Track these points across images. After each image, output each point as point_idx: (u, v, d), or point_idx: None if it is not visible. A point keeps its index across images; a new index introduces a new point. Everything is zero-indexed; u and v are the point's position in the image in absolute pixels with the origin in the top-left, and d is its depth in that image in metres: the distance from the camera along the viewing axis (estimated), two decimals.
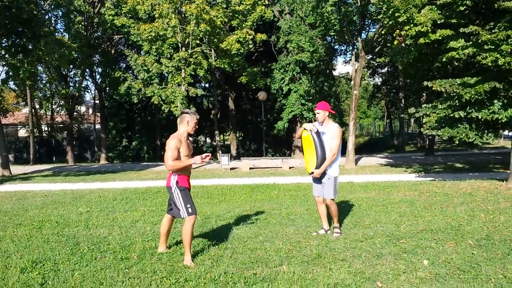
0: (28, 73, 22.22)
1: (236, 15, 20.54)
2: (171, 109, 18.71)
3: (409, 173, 14.75)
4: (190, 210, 5.11)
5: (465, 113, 10.70)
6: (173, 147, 5.01)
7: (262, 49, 26.93)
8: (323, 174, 6.02)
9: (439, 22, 11.38)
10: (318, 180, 6.13)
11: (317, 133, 5.91)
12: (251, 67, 24.34)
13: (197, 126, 5.28)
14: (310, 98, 23.18)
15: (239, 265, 4.88)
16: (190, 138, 5.36)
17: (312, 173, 6.01)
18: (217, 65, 21.56)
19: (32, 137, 31.47)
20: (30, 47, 18.49)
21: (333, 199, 6.12)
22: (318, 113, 6.07)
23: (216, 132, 27.29)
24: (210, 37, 19.25)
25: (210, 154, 5.37)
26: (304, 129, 6.00)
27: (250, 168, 18.20)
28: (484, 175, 13.00)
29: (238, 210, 8.40)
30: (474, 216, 7.13)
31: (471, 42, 10.71)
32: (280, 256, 5.20)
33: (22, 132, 38.70)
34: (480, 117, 10.52)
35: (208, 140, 41.97)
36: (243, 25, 20.61)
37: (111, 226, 7.18)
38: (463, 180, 11.73)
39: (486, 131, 10.99)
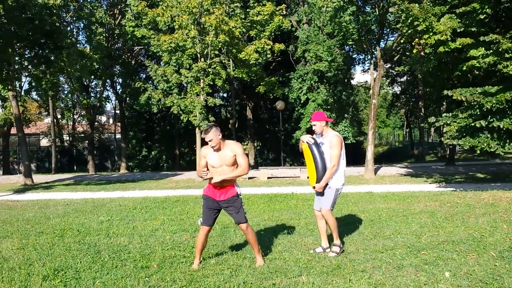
0: (51, 83, 22.70)
1: (254, 25, 20.66)
2: (189, 118, 18.83)
3: (430, 183, 14.57)
4: (202, 219, 5.31)
5: (487, 123, 10.56)
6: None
7: (280, 58, 27.00)
8: (325, 184, 5.72)
9: (458, 30, 11.30)
10: (320, 193, 5.81)
11: (316, 144, 5.68)
12: (269, 76, 24.39)
13: (208, 142, 5.17)
14: (328, 107, 23.10)
15: (258, 275, 4.88)
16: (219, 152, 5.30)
17: (314, 187, 5.75)
18: (235, 75, 21.66)
19: (54, 146, 32.01)
20: (52, 58, 18.86)
21: (329, 210, 5.75)
22: (314, 125, 5.78)
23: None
24: (228, 47, 19.38)
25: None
26: (302, 141, 5.77)
27: (268, 178, 18.19)
28: (506, 186, 12.76)
29: (256, 219, 8.40)
30: (497, 227, 7.00)
31: (491, 51, 10.60)
32: (299, 267, 5.18)
33: (44, 142, 39.40)
34: (501, 126, 10.36)
35: None
36: (261, 35, 20.71)
37: (131, 235, 7.26)
38: (485, 191, 11.52)
39: (508, 141, 10.81)
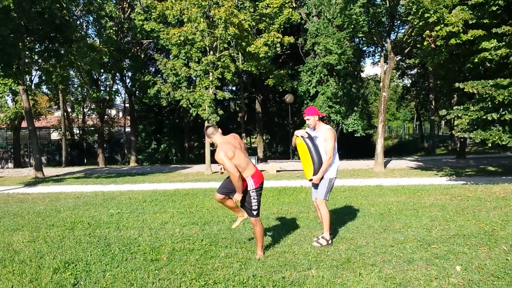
0: (61, 77, 22.84)
1: (263, 18, 20.56)
2: (198, 112, 18.84)
3: (440, 176, 14.46)
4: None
5: (498, 115, 10.43)
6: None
7: (289, 51, 26.89)
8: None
9: (470, 22, 11.15)
10: (316, 184, 5.97)
11: (310, 138, 5.81)
12: (278, 69, 24.31)
13: (208, 138, 5.40)
14: (338, 100, 23.01)
15: (268, 269, 4.88)
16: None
17: (311, 179, 5.86)
18: (244, 68, 21.63)
19: (64, 139, 32.25)
20: (62, 52, 18.95)
21: (324, 200, 5.92)
22: (308, 119, 5.95)
23: (243, 135, 27.40)
24: (238, 40, 19.32)
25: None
26: (297, 136, 5.89)
27: (277, 171, 18.18)
28: None
29: (265, 213, 8.40)
30: (508, 221, 6.93)
31: (504, 43, 10.46)
32: (308, 260, 5.17)
33: (55, 135, 39.68)
34: None
35: None
36: (270, 28, 20.62)
37: (141, 228, 7.29)
38: (496, 184, 11.41)
39: None
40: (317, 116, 5.96)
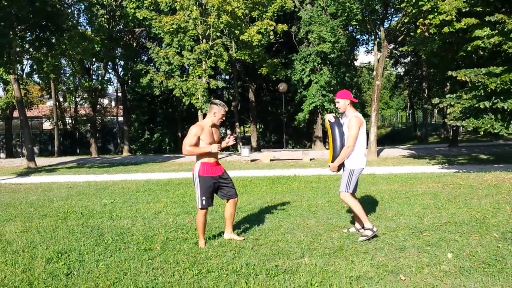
0: (52, 66, 22.67)
1: (257, 6, 20.43)
2: (192, 101, 18.79)
3: (433, 164, 14.54)
4: (204, 202, 5.31)
5: (491, 103, 10.49)
6: (192, 134, 5.21)
7: (282, 40, 26.79)
8: (343, 165, 5.64)
9: (464, 10, 11.15)
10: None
11: (338, 123, 5.59)
12: (272, 58, 24.24)
13: (223, 118, 5.43)
14: (331, 89, 22.99)
15: (261, 257, 4.90)
16: (214, 129, 5.44)
17: (329, 166, 5.68)
18: (237, 57, 21.54)
19: (56, 129, 32.07)
20: (53, 40, 18.74)
21: (345, 193, 5.60)
22: (337, 102, 5.67)
23: (237, 124, 27.36)
24: (231, 28, 19.23)
25: (234, 136, 5.54)
26: (326, 119, 5.71)
27: (271, 160, 18.20)
28: (509, 167, 12.73)
29: (259, 202, 8.42)
30: (499, 209, 6.99)
31: (496, 31, 10.48)
32: (301, 248, 5.19)
33: (47, 125, 39.46)
34: (506, 107, 10.30)
35: (228, 132, 42.14)
36: (263, 16, 20.51)
37: (134, 217, 7.28)
38: (488, 172, 11.49)
39: None
40: (347, 100, 5.60)
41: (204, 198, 5.29)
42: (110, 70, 31.59)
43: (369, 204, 7.74)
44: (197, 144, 5.24)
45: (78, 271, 4.62)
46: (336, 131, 5.56)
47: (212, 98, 18.81)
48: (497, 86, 10.06)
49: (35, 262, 4.98)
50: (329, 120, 5.63)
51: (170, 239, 5.75)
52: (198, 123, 5.37)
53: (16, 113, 28.48)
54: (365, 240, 5.37)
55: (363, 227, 5.69)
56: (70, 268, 4.74)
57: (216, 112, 5.33)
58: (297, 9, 24.26)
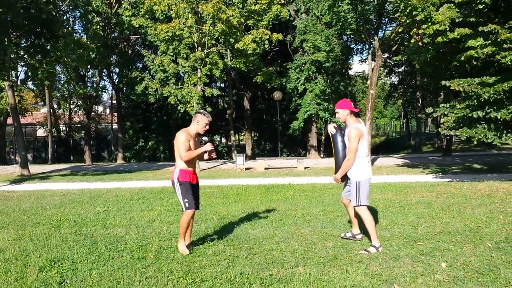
0: (47, 73, 22.57)
1: (252, 15, 20.52)
2: (187, 109, 18.76)
3: (427, 174, 14.59)
4: (187, 204, 5.42)
5: (484, 113, 10.56)
6: (183, 140, 5.38)
7: (277, 48, 26.88)
8: (347, 177, 5.54)
9: (457, 20, 11.26)
10: (346, 182, 5.69)
11: (339, 134, 5.54)
12: (267, 66, 24.29)
13: (207, 127, 5.58)
14: (326, 97, 23.09)
15: (255, 266, 4.88)
16: (198, 138, 5.65)
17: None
18: (232, 65, 21.58)
19: (50, 136, 31.93)
20: (48, 47, 18.72)
21: (359, 207, 5.45)
22: (337, 112, 5.55)
23: (231, 132, 27.37)
24: (226, 37, 19.27)
25: (211, 144, 5.64)
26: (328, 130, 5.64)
27: (265, 168, 18.19)
28: (503, 176, 12.80)
29: (253, 210, 8.40)
30: (493, 218, 7.02)
31: (490, 41, 10.57)
32: (296, 257, 5.18)
33: (41, 132, 39.28)
34: (499, 117, 10.37)
35: (223, 140, 42.09)
36: (259, 24, 20.58)
37: (128, 226, 7.24)
38: (482, 181, 11.55)
39: (505, 132, 10.84)
40: (347, 110, 5.46)
41: (186, 200, 5.42)
42: (105, 77, 31.58)
43: None
44: (189, 149, 5.41)
45: (71, 280, 4.59)
46: (338, 143, 5.53)
47: (207, 106, 18.84)
48: (490, 96, 10.13)
49: (27, 270, 4.94)
50: (330, 132, 5.60)
51: (164, 248, 5.73)
52: (183, 130, 5.53)
53: (10, 120, 28.31)
54: (366, 254, 5.26)
55: (357, 234, 5.81)
56: (63, 276, 4.70)
57: (199, 120, 5.50)
58: (292, 18, 24.40)
